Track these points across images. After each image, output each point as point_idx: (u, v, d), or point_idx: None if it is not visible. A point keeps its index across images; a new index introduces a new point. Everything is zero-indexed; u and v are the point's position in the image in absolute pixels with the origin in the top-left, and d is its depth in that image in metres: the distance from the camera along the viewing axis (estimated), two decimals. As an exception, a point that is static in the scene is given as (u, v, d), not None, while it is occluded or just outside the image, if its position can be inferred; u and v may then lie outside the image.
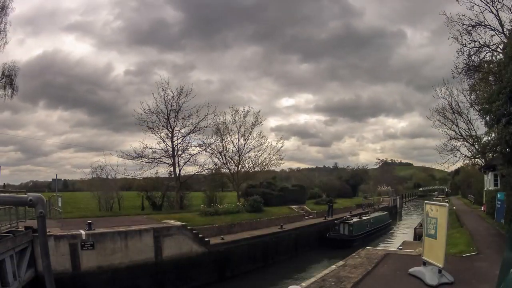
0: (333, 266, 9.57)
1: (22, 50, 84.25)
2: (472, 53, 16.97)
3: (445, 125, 28.99)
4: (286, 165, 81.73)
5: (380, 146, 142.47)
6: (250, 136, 29.44)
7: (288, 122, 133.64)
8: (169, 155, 25.20)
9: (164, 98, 24.59)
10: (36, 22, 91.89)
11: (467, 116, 27.79)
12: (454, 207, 24.99)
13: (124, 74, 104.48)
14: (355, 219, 27.07)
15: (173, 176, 25.66)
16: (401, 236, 28.55)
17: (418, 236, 18.89)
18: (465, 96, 25.64)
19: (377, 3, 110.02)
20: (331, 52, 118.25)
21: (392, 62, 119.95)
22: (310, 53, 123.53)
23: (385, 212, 36.14)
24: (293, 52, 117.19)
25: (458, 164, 35.57)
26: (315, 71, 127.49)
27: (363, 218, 28.49)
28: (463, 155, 29.24)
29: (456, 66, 17.94)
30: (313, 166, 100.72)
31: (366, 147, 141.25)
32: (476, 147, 26.89)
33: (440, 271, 7.44)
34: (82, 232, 13.06)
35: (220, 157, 29.01)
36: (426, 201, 8.94)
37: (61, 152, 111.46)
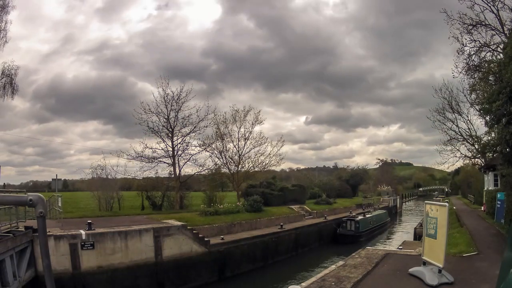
0: (333, 266, 9.57)
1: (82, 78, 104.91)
2: (472, 52, 17.01)
3: (445, 124, 28.96)
4: (285, 166, 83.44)
5: (371, 150, 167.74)
6: (250, 136, 29.47)
7: (286, 131, 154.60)
8: (169, 155, 25.20)
9: (164, 98, 24.61)
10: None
11: (467, 116, 27.78)
12: (454, 207, 24.99)
13: (160, 96, 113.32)
14: (360, 217, 28.60)
15: (173, 176, 25.66)
16: (401, 236, 28.62)
17: (418, 236, 18.89)
18: (465, 95, 25.61)
19: (354, 57, 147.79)
20: (315, 84, 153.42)
21: (366, 87, 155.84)
22: (302, 86, 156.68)
23: (384, 211, 37.02)
24: (290, 85, 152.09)
25: (458, 164, 35.60)
26: (308, 98, 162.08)
27: (367, 216, 30.14)
28: (463, 155, 29.24)
29: (456, 65, 17.98)
30: (313, 167, 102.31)
31: (358, 151, 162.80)
32: (476, 147, 26.86)
33: (440, 271, 7.43)
34: (82, 232, 13.06)
35: (220, 157, 29.04)
36: (426, 201, 8.93)
37: (79, 155, 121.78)
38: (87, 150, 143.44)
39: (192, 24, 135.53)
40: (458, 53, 17.36)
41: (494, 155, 19.93)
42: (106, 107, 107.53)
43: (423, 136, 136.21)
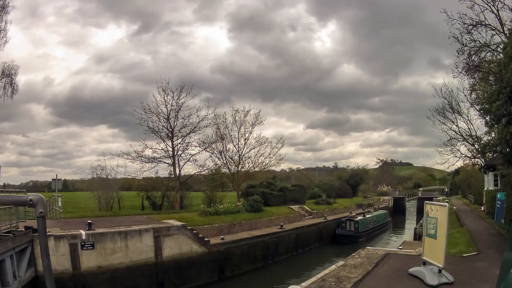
0: (333, 266, 9.56)
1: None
2: (472, 52, 16.97)
3: (445, 124, 28.97)
4: (285, 166, 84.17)
5: (366, 153, 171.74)
6: (250, 136, 29.46)
7: (287, 134, 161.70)
8: (169, 155, 25.20)
9: (164, 98, 24.61)
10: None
11: (467, 116, 27.79)
12: (454, 207, 24.98)
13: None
14: (360, 217, 28.42)
15: (173, 176, 25.66)
16: (401, 236, 28.66)
17: (418, 236, 18.88)
18: (465, 95, 25.61)
19: (344, 75, 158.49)
20: (311, 96, 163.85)
21: (357, 97, 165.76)
22: (300, 97, 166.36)
23: (385, 211, 37.06)
24: (290, 97, 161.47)
25: (458, 164, 35.64)
26: (306, 107, 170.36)
27: (367, 216, 29.95)
28: (463, 155, 29.26)
29: (456, 65, 17.97)
30: (313, 167, 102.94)
31: (355, 153, 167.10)
32: (476, 147, 26.87)
33: (440, 271, 7.43)
34: (82, 232, 13.07)
35: (220, 157, 29.03)
36: (426, 201, 8.93)
37: (87, 156, 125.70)
38: (96, 152, 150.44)
39: (207, 51, 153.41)
40: (458, 53, 17.34)
41: (494, 155, 19.94)
42: (120, 113, 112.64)
43: (415, 138, 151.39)
